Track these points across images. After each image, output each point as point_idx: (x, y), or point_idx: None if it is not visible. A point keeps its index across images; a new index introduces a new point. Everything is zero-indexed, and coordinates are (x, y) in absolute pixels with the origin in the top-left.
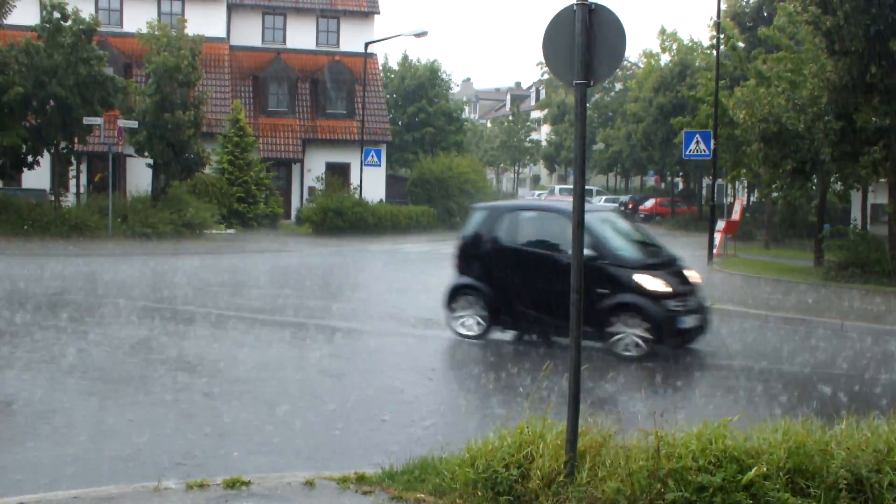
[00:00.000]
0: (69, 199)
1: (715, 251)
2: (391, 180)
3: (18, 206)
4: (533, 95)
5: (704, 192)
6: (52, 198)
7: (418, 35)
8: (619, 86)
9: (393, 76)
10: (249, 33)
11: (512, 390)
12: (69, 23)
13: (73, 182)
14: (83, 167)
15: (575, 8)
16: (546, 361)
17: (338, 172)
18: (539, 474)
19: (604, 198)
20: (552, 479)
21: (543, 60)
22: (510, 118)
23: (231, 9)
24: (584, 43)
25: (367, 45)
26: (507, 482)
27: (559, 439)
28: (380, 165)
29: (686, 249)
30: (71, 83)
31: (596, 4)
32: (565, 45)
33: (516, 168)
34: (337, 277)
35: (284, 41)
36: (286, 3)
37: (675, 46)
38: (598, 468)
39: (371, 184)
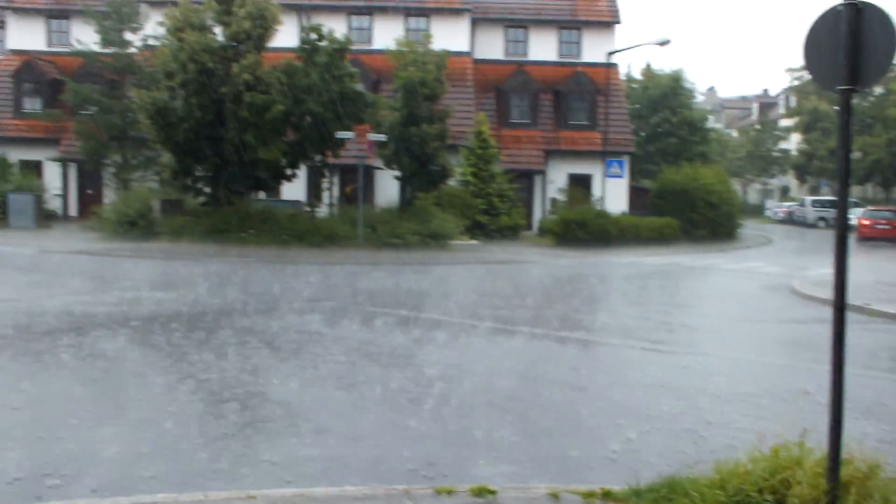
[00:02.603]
0: (322, 210)
1: None
2: (633, 191)
3: (278, 217)
4: (782, 103)
5: None
6: (308, 208)
7: (661, 44)
8: (879, 89)
9: (636, 86)
10: (492, 46)
11: (762, 410)
12: (325, 43)
13: (326, 193)
14: (335, 179)
15: (840, 8)
16: None
17: (580, 184)
18: (796, 503)
19: (861, 210)
20: None
21: (804, 65)
22: (757, 127)
23: (474, 23)
24: (850, 45)
25: (609, 55)
26: None
27: (819, 467)
28: (622, 176)
29: None
30: (325, 100)
31: (864, 3)
32: (829, 49)
33: (764, 179)
34: (582, 290)
35: (526, 53)
36: (528, 15)
37: None
38: (863, 502)
39: (613, 195)
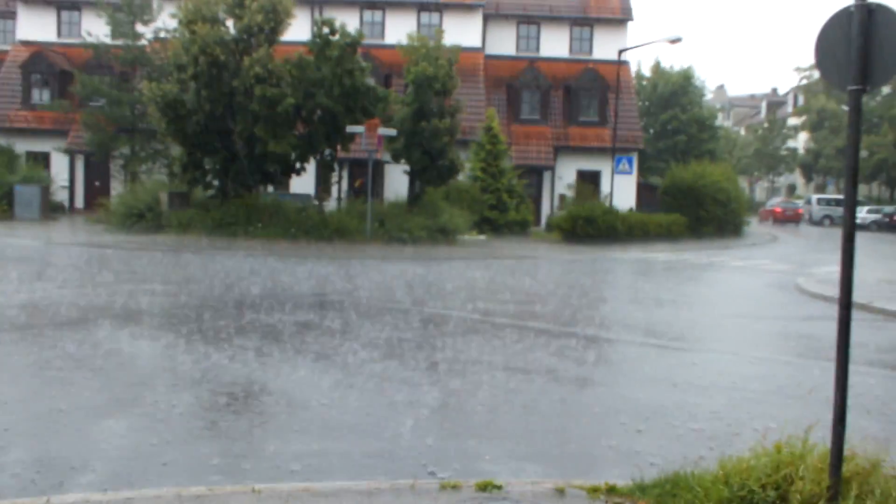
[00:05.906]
0: (331, 204)
1: None
2: (642, 188)
3: (287, 210)
4: (790, 101)
5: None
6: (316, 202)
7: (672, 41)
8: (886, 89)
9: (645, 83)
10: (504, 42)
11: (767, 406)
12: (337, 37)
13: (334, 187)
14: (344, 173)
15: (852, 9)
16: None
17: (588, 180)
18: (798, 498)
19: (866, 208)
20: (813, 503)
21: (815, 64)
22: (765, 125)
23: (487, 19)
24: (862, 46)
25: (620, 52)
26: (763, 503)
27: (821, 462)
28: (631, 173)
29: None
30: (336, 94)
31: (876, 4)
32: (840, 49)
33: (771, 177)
34: (591, 287)
35: (538, 49)
36: (540, 12)
37: None
38: (865, 497)
39: (622, 192)
